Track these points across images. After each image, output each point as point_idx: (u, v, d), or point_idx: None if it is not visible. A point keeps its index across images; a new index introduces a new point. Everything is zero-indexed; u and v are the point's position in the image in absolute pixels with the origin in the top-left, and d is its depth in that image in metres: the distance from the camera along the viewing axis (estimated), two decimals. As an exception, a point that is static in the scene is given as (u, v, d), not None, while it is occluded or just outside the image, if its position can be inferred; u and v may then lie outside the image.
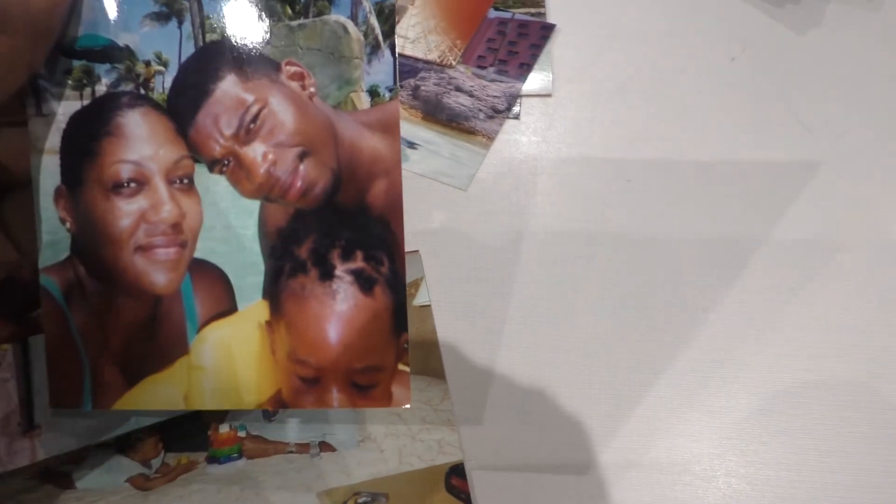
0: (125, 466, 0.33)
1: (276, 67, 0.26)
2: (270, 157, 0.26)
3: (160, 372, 0.27)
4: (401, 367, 0.27)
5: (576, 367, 0.35)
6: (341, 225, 0.26)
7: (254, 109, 0.26)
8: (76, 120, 0.26)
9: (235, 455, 0.33)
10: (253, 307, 0.26)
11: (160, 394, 0.27)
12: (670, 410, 0.34)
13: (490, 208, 0.39)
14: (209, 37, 0.26)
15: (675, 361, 0.35)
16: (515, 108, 0.43)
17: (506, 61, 0.45)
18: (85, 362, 0.27)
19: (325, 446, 0.33)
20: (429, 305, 0.36)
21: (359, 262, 0.26)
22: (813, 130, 0.41)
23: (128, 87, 0.26)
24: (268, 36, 0.26)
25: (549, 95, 0.44)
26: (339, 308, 0.26)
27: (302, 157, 0.26)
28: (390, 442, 0.33)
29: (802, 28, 0.45)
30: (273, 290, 0.26)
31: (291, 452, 0.33)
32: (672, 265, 0.37)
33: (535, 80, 0.44)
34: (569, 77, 0.44)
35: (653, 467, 0.33)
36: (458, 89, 0.44)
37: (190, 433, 0.34)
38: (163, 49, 0.26)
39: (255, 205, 0.26)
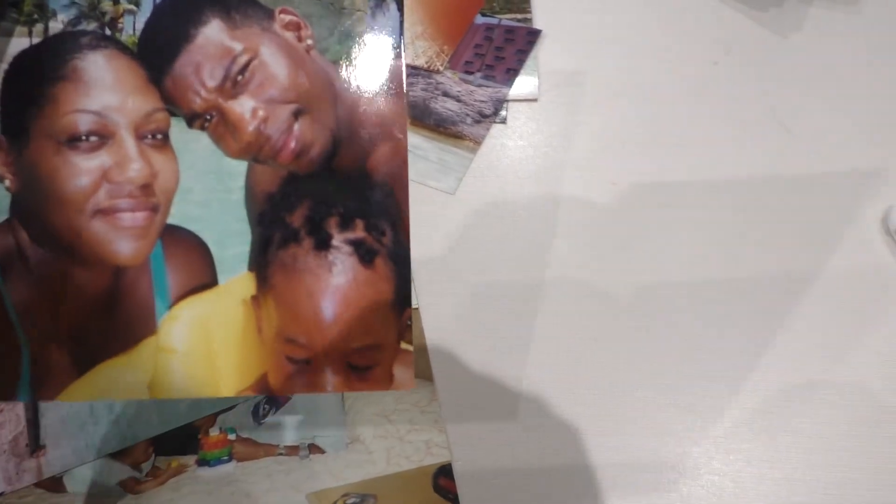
0: (116, 470, 0.33)
1: (269, 15, 0.23)
2: (261, 113, 0.23)
3: (119, 356, 0.23)
4: (403, 345, 0.24)
5: (563, 369, 0.35)
6: (339, 191, 0.24)
7: (242, 60, 0.22)
8: (23, 60, 0.22)
9: (225, 458, 0.33)
10: (237, 280, 0.23)
11: (119, 381, 0.23)
12: (656, 411, 0.34)
13: (477, 212, 0.40)
14: None
15: (660, 363, 0.35)
16: (502, 113, 0.44)
17: (493, 66, 0.45)
18: (24, 346, 0.23)
19: (314, 448, 0.34)
20: (417, 308, 0.37)
21: (359, 232, 0.24)
22: (795, 133, 0.42)
23: (90, 26, 0.22)
24: None
25: (535, 100, 0.44)
26: (335, 281, 0.24)
27: (297, 114, 0.23)
28: (379, 443, 0.34)
29: (785, 32, 0.46)
30: (261, 262, 0.23)
31: (281, 455, 0.34)
32: (657, 267, 0.38)
33: (522, 85, 0.45)
34: (555, 82, 0.45)
35: (638, 467, 0.33)
36: (446, 94, 0.45)
37: (180, 436, 0.34)
38: None
39: (241, 166, 0.23)
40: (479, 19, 0.47)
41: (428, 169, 0.41)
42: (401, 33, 0.24)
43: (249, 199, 0.23)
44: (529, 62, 0.46)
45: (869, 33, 0.46)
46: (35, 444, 0.34)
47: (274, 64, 0.23)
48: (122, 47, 0.22)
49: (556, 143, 0.42)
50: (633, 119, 0.43)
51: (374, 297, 0.24)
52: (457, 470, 0.33)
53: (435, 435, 0.34)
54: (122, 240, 0.22)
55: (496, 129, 0.43)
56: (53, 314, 0.23)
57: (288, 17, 0.24)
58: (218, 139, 0.23)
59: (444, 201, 0.40)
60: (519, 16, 0.48)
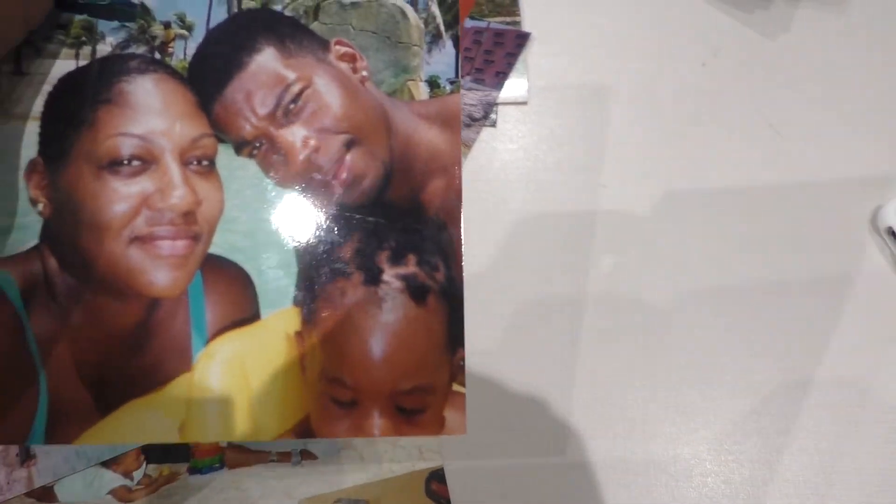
0: (107, 479, 0.33)
1: (325, 46, 0.23)
2: (312, 142, 0.22)
3: (149, 395, 0.21)
4: (455, 387, 0.23)
5: (555, 372, 0.35)
6: (391, 225, 0.23)
7: (295, 88, 0.22)
8: (68, 82, 0.22)
9: (217, 465, 0.33)
10: (280, 314, 0.22)
11: (147, 423, 0.22)
12: (647, 412, 0.34)
13: (467, 216, 0.40)
14: (245, 3, 0.22)
15: (652, 365, 0.36)
16: (492, 116, 0.44)
17: (482, 70, 0.45)
18: (42, 382, 0.21)
19: (306, 454, 0.33)
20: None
21: (411, 268, 0.23)
22: (783, 134, 0.42)
23: (139, 49, 0.22)
24: (315, 9, 0.23)
25: (524, 103, 0.44)
26: (385, 318, 0.22)
27: (349, 145, 0.22)
28: (371, 448, 0.34)
29: (772, 33, 0.46)
30: (307, 296, 0.22)
31: (273, 461, 0.33)
32: (649, 268, 0.38)
33: (511, 88, 0.45)
34: (544, 84, 0.45)
35: (630, 468, 0.33)
36: (436, 98, 0.45)
37: (172, 444, 0.34)
38: (187, 11, 0.22)
39: (290, 196, 0.22)
40: (468, 23, 0.47)
41: (418, 173, 0.41)
42: (456, 71, 0.25)
43: (297, 231, 0.22)
44: (519, 65, 0.46)
45: (856, 34, 0.46)
46: (25, 454, 0.33)
47: (328, 94, 0.22)
48: (171, 72, 0.22)
49: (546, 147, 0.42)
50: (623, 121, 0.43)
51: (425, 335, 0.23)
52: (449, 474, 0.33)
53: (427, 439, 0.34)
54: (160, 269, 0.21)
55: (486, 132, 0.43)
56: (78, 349, 0.21)
57: (343, 49, 0.23)
58: (267, 168, 0.22)
59: (434, 205, 0.40)
60: (508, 19, 0.48)
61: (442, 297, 0.23)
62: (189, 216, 0.21)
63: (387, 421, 0.23)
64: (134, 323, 0.21)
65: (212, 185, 0.21)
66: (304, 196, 0.22)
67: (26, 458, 0.33)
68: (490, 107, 0.44)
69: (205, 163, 0.21)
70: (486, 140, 0.43)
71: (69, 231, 0.21)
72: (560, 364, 0.36)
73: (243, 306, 0.21)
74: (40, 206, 0.21)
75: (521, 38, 0.46)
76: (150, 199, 0.21)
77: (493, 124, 0.43)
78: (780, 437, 0.34)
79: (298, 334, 0.22)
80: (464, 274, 0.29)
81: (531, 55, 0.46)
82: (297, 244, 0.22)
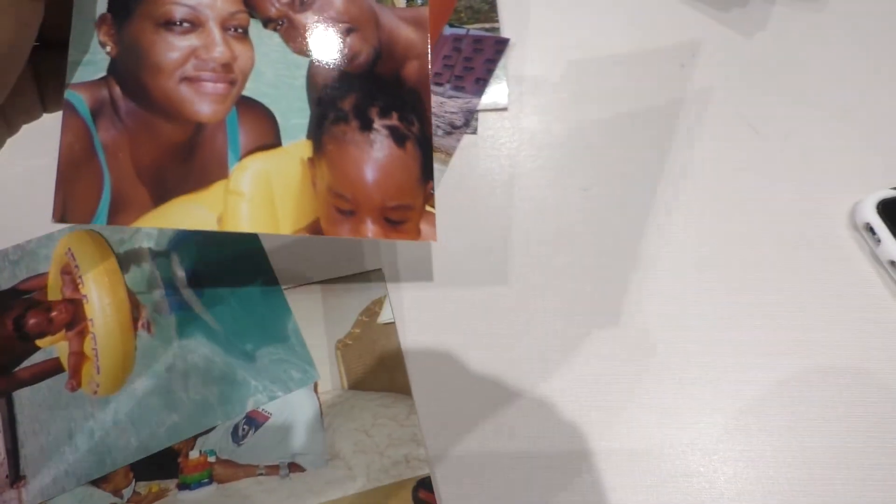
0: (97, 497, 0.33)
1: None
2: (322, 26, 0.29)
3: (193, 193, 0.27)
4: (428, 208, 0.30)
5: (541, 380, 0.36)
6: (379, 90, 0.30)
7: None
8: None
9: (206, 480, 0.34)
10: (296, 144, 0.28)
11: (191, 213, 0.27)
12: (631, 413, 0.35)
13: (450, 224, 0.40)
14: None
15: (636, 365, 0.36)
16: (473, 123, 0.44)
17: (462, 77, 0.46)
18: (105, 178, 0.26)
19: (294, 467, 0.34)
20: (393, 323, 0.37)
21: (394, 121, 0.29)
22: (762, 132, 0.43)
23: None
24: None
25: (504, 109, 0.45)
26: (375, 155, 0.29)
27: (348, 32, 0.29)
28: (358, 459, 0.34)
29: (749, 31, 0.47)
30: (317, 133, 0.28)
31: (261, 475, 0.34)
32: (630, 271, 0.38)
33: (491, 95, 0.45)
34: (524, 90, 0.45)
35: (613, 469, 0.34)
36: (416, 107, 0.45)
37: (160, 461, 0.34)
38: None
39: (304, 61, 0.28)
40: (448, 30, 0.47)
41: (400, 182, 0.42)
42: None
43: (309, 87, 0.29)
44: (498, 71, 0.46)
45: (833, 31, 0.46)
46: (15, 475, 0.34)
47: None
48: None
49: (527, 152, 0.43)
50: (603, 124, 0.43)
51: (405, 169, 0.29)
52: (436, 482, 0.34)
53: (414, 448, 0.34)
54: (204, 102, 0.27)
55: (468, 139, 0.43)
56: (137, 155, 0.27)
57: None
58: (287, 39, 0.28)
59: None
60: (487, 25, 0.48)
61: (416, 144, 0.30)
62: (227, 66, 0.27)
63: (377, 227, 0.29)
64: (183, 139, 0.27)
65: (245, 47, 0.27)
66: (315, 62, 0.29)
67: (16, 479, 0.34)
68: (471, 114, 0.44)
69: (239, 30, 0.27)
70: (468, 147, 0.43)
71: (131, 68, 0.26)
72: (544, 362, 0.36)
73: (268, 136, 0.28)
74: (108, 49, 0.27)
75: (501, 45, 0.47)
76: (197, 51, 0.27)
77: (474, 131, 0.44)
78: (765, 436, 0.34)
79: (310, 160, 0.28)
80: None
81: (510, 61, 0.46)
82: (310, 96, 0.28)
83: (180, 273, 0.38)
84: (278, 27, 0.28)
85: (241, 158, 0.27)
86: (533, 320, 0.37)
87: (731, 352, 0.36)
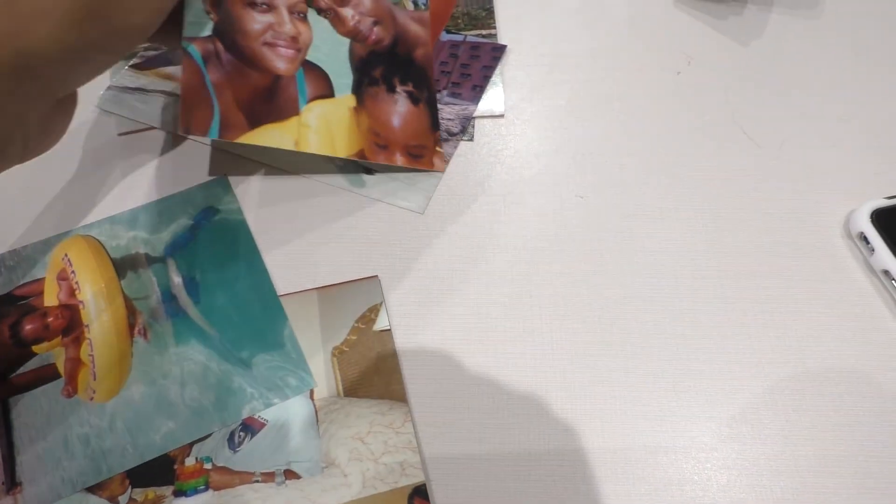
0: (93, 504, 0.33)
1: None
2: (357, 18, 0.40)
3: (276, 122, 0.37)
4: (437, 148, 0.41)
5: (537, 387, 0.36)
6: (398, 66, 0.41)
7: None
8: None
9: (202, 487, 0.34)
10: (345, 97, 0.39)
11: (276, 136, 0.37)
12: (624, 421, 0.35)
13: (447, 231, 0.40)
14: None
15: (629, 374, 0.36)
16: (470, 130, 0.44)
17: (459, 83, 0.46)
18: (215, 106, 0.36)
19: (289, 474, 0.34)
20: (389, 330, 0.37)
21: (410, 87, 0.41)
22: (757, 141, 0.43)
23: None
24: None
25: (501, 116, 0.45)
26: (399, 109, 0.40)
27: (375, 23, 0.41)
28: (354, 466, 0.34)
29: (745, 39, 0.47)
30: (358, 90, 0.40)
31: (257, 482, 0.34)
32: (626, 277, 0.38)
33: (488, 102, 0.45)
34: (520, 97, 0.45)
35: (606, 476, 0.34)
36: (413, 113, 0.45)
37: (156, 468, 0.34)
38: None
39: (346, 41, 0.40)
40: (444, 36, 0.48)
41: (396, 188, 0.42)
42: (424, 3, 0.44)
43: (351, 59, 0.40)
44: (495, 78, 0.46)
45: (829, 40, 0.47)
46: (11, 482, 0.34)
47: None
48: None
49: (523, 159, 0.43)
50: (599, 132, 0.43)
51: (419, 120, 0.41)
52: (432, 489, 0.34)
53: (410, 456, 0.34)
54: (280, 61, 0.38)
55: (464, 146, 0.43)
56: (236, 92, 0.37)
57: None
58: (334, 25, 0.40)
59: (413, 221, 0.40)
60: (484, 31, 0.48)
61: (426, 104, 0.42)
62: (294, 39, 0.38)
63: (404, 157, 0.40)
64: (267, 84, 0.38)
65: (305, 26, 0.39)
66: (354, 43, 0.40)
67: (12, 486, 0.34)
68: (467, 121, 0.44)
69: (301, 14, 0.39)
70: (464, 154, 0.43)
71: (229, 32, 0.37)
72: (540, 369, 0.36)
73: (325, 89, 0.39)
74: (212, 16, 0.36)
75: (497, 51, 0.47)
76: (273, 25, 0.38)
77: (471, 138, 0.44)
78: (759, 445, 0.34)
79: (354, 108, 0.39)
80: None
81: (507, 67, 0.46)
82: (351, 64, 0.40)
83: (177, 279, 0.38)
84: (327, 15, 0.40)
85: (308, 102, 0.38)
86: (529, 327, 0.37)
87: (724, 359, 0.36)
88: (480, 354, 0.37)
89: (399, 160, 0.40)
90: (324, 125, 0.38)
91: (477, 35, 0.48)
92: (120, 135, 0.44)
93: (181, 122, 0.35)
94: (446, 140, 0.43)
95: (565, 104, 0.45)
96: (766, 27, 0.47)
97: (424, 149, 0.40)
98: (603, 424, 0.35)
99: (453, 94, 0.45)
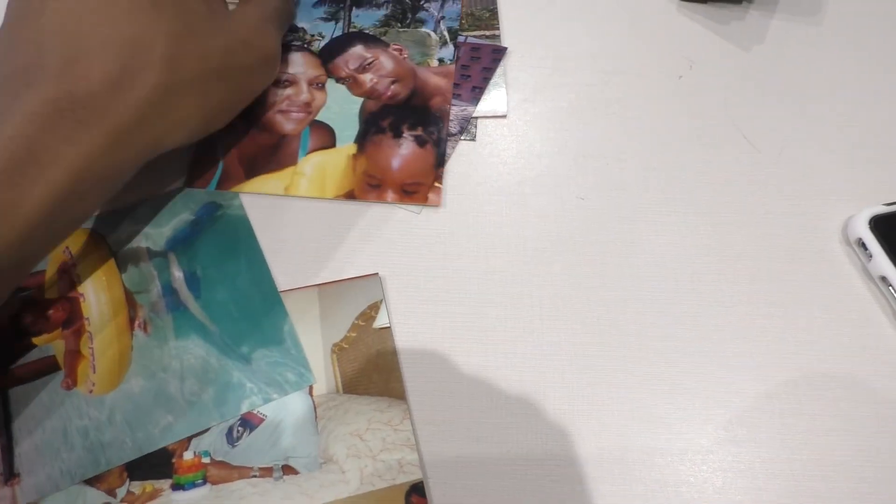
0: (90, 497, 0.33)
1: (387, 45, 0.47)
2: (375, 80, 0.45)
3: (272, 173, 0.41)
4: (436, 184, 0.41)
5: (535, 387, 0.36)
6: (411, 114, 0.44)
7: (370, 58, 0.46)
8: None
9: (200, 481, 0.34)
10: (346, 146, 0.42)
11: (268, 184, 0.41)
12: (621, 422, 0.35)
13: (448, 230, 0.40)
14: (351, 29, 0.48)
15: (628, 376, 0.36)
16: (472, 130, 0.44)
17: (459, 85, 0.46)
18: (219, 163, 0.42)
19: (287, 469, 0.34)
20: (389, 328, 0.37)
21: (419, 132, 0.43)
22: (757, 146, 0.43)
23: (297, 42, 0.47)
24: (384, 33, 0.48)
25: (503, 116, 0.45)
26: (402, 152, 0.42)
27: (393, 82, 0.45)
28: (352, 463, 0.34)
29: (747, 44, 0.47)
30: (361, 140, 0.43)
31: (255, 477, 0.34)
32: (626, 280, 0.39)
33: (491, 102, 0.45)
34: (523, 97, 0.45)
35: (602, 478, 0.34)
36: (416, 112, 0.46)
37: (154, 461, 0.34)
38: (323, 30, 0.48)
39: (360, 99, 0.44)
40: (448, 37, 0.48)
41: (398, 187, 0.42)
42: (454, 56, 0.47)
43: (361, 113, 0.44)
44: (498, 79, 0.46)
45: (831, 46, 0.47)
46: (9, 473, 0.34)
47: (385, 63, 0.46)
48: (311, 51, 0.47)
49: (525, 161, 0.43)
50: (600, 134, 0.44)
51: (422, 161, 0.42)
52: (429, 487, 0.34)
53: (408, 453, 0.34)
54: (289, 123, 0.43)
55: (465, 146, 0.44)
56: (241, 149, 0.42)
57: (396, 46, 0.47)
58: (350, 88, 0.45)
59: (414, 220, 0.41)
60: (487, 33, 0.49)
61: (433, 145, 0.43)
62: (308, 105, 0.44)
63: (396, 195, 0.41)
64: (272, 143, 0.42)
65: (321, 93, 0.44)
66: (367, 100, 0.44)
67: (10, 476, 0.34)
68: (466, 122, 0.44)
69: (320, 84, 0.45)
70: (465, 154, 0.43)
71: (250, 105, 0.40)
72: (539, 369, 0.36)
73: (328, 141, 0.43)
74: None
75: (498, 53, 0.47)
76: (290, 97, 0.44)
77: (473, 138, 0.44)
78: (755, 448, 0.35)
79: (354, 155, 0.42)
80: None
81: (511, 69, 0.46)
82: (360, 119, 0.43)
83: (178, 273, 0.39)
84: (345, 83, 0.45)
85: (307, 153, 0.42)
86: (529, 327, 0.37)
87: (722, 363, 0.36)
88: (479, 354, 0.37)
89: (390, 197, 0.40)
90: (318, 172, 0.41)
91: (480, 36, 0.48)
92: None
93: (187, 177, 0.41)
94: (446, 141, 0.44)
95: (567, 106, 0.45)
96: (767, 32, 0.48)
97: (421, 185, 0.41)
98: (601, 425, 0.35)
99: (453, 96, 0.45)
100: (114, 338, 0.37)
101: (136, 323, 0.37)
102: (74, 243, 0.39)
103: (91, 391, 0.36)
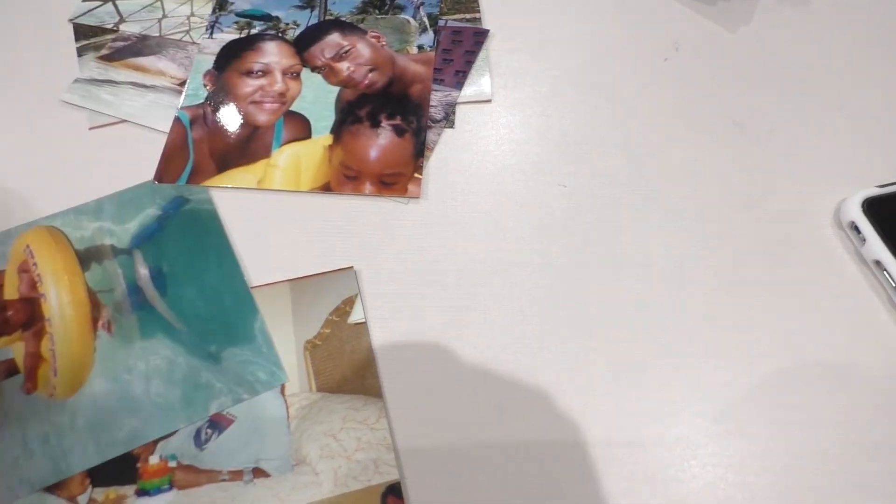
0: (51, 505, 0.32)
1: (365, 32, 0.46)
2: (351, 69, 0.44)
3: (244, 166, 0.40)
4: (416, 175, 0.40)
5: (516, 382, 0.35)
6: (389, 103, 0.42)
7: (346, 46, 0.45)
8: (232, 43, 0.45)
9: (166, 486, 0.32)
10: (322, 137, 0.41)
11: (240, 178, 0.40)
12: (609, 419, 0.34)
13: (429, 221, 0.39)
14: (328, 17, 0.47)
15: (614, 368, 0.35)
16: (451, 117, 0.43)
17: (441, 69, 0.44)
18: (190, 157, 0.40)
19: (258, 472, 0.32)
20: (364, 323, 0.36)
21: (397, 121, 0.41)
22: (745, 129, 0.42)
23: (271, 32, 0.46)
24: (362, 20, 0.46)
25: (488, 101, 0.43)
26: (380, 142, 0.41)
27: (371, 70, 0.44)
28: (325, 464, 0.33)
29: (734, 26, 0.46)
30: (338, 130, 0.41)
31: (224, 480, 0.32)
32: (609, 271, 0.37)
33: (475, 86, 0.44)
34: (503, 83, 0.44)
35: (593, 476, 0.33)
36: (393, 100, 0.44)
37: (118, 466, 0.33)
38: (297, 18, 0.47)
39: (336, 88, 0.43)
40: (425, 22, 0.46)
41: (374, 178, 0.40)
42: (434, 42, 0.45)
43: (337, 102, 0.42)
44: (481, 62, 0.45)
45: (819, 26, 0.46)
46: (-34, 483, 0.32)
47: (363, 50, 0.44)
48: (285, 40, 0.45)
49: (507, 147, 0.41)
50: (583, 119, 0.42)
51: (401, 151, 0.40)
52: (406, 488, 0.32)
53: (383, 453, 0.33)
54: (262, 114, 0.42)
55: (446, 133, 0.42)
56: (213, 143, 0.41)
57: (374, 33, 0.45)
58: (325, 77, 0.43)
59: (392, 211, 0.39)
60: (468, 16, 0.47)
61: (413, 135, 0.41)
62: (282, 94, 0.42)
63: (374, 186, 0.39)
64: (245, 136, 0.41)
65: (296, 83, 0.43)
66: (344, 89, 0.43)
67: (-34, 486, 0.32)
68: (451, 107, 0.43)
69: (294, 74, 0.43)
70: (446, 142, 0.42)
71: (221, 97, 0.42)
72: (520, 363, 0.35)
73: (302, 132, 0.41)
74: (208, 87, 0.43)
75: (480, 36, 0.45)
76: (264, 87, 0.43)
77: (452, 125, 0.42)
78: (745, 440, 0.33)
79: (330, 146, 0.41)
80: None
81: (493, 52, 0.45)
82: (336, 108, 0.42)
83: (143, 271, 0.37)
84: (321, 71, 0.44)
85: (281, 145, 0.41)
86: (509, 320, 0.36)
87: (712, 353, 0.35)
88: (459, 348, 0.35)
89: (368, 189, 0.39)
90: (292, 164, 0.40)
91: (461, 19, 0.46)
92: (91, 129, 0.42)
93: (156, 173, 0.40)
94: (429, 128, 0.42)
95: (549, 90, 0.43)
96: (755, 13, 0.46)
97: (400, 176, 0.40)
98: (586, 419, 0.34)
99: (435, 81, 0.44)
100: (76, 339, 0.35)
101: (100, 323, 0.36)
102: (35, 241, 0.38)
103: (52, 395, 0.34)
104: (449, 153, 0.41)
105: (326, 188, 0.39)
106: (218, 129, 0.41)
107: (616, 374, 0.35)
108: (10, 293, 0.36)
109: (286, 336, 0.36)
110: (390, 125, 0.41)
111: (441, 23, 0.46)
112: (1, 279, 0.37)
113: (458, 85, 0.44)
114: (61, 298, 0.36)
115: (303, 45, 0.45)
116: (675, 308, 0.36)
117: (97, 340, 0.35)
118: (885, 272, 0.36)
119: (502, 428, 0.34)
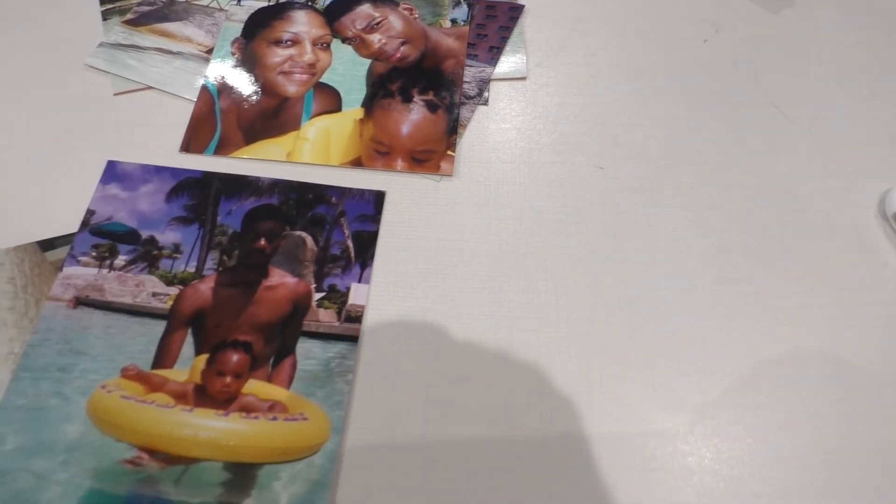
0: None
1: (397, 4, 0.45)
2: (383, 41, 0.43)
3: (273, 138, 0.40)
4: (449, 152, 0.39)
5: (531, 364, 0.34)
6: (422, 77, 0.42)
7: (378, 18, 0.44)
8: (263, 10, 0.45)
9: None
10: (352, 111, 0.41)
11: (269, 150, 0.39)
12: (605, 410, 0.33)
13: (462, 199, 0.38)
14: None
15: (635, 352, 0.34)
16: (485, 94, 0.42)
17: (474, 45, 0.43)
18: (218, 127, 0.40)
19: None
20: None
21: (430, 96, 0.41)
22: (786, 112, 0.41)
23: (300, 1, 0.45)
24: None
25: (523, 79, 0.42)
26: (412, 117, 0.40)
27: (403, 44, 0.43)
28: None
29: (776, 7, 0.45)
30: (369, 104, 0.41)
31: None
32: (645, 254, 0.36)
33: (509, 63, 0.43)
34: (537, 61, 0.43)
35: (586, 468, 0.32)
36: (426, 74, 0.43)
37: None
38: None
39: (367, 61, 0.42)
40: (460, -5, 0.45)
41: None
42: (468, 16, 0.44)
43: (368, 76, 0.42)
44: (515, 38, 0.44)
45: (867, 9, 0.44)
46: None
47: (395, 22, 0.43)
48: (316, 9, 0.44)
49: (541, 126, 0.40)
50: (620, 100, 0.41)
51: (433, 127, 0.40)
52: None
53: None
54: (292, 85, 0.41)
55: (480, 111, 0.41)
56: (241, 114, 0.40)
57: (406, 4, 0.44)
58: (357, 49, 0.43)
59: (431, 189, 0.38)
60: (502, -9, 0.46)
61: (445, 111, 0.40)
62: (312, 65, 0.42)
63: (405, 163, 0.39)
64: (274, 106, 0.40)
65: (326, 54, 0.42)
66: (375, 62, 0.42)
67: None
68: (485, 83, 0.42)
69: (324, 45, 0.42)
70: (479, 119, 0.41)
71: (249, 65, 0.42)
72: (535, 355, 0.34)
73: (333, 105, 0.41)
74: (237, 56, 0.43)
75: (515, 11, 0.44)
76: (293, 57, 0.42)
77: (486, 102, 0.41)
78: (739, 431, 0.32)
79: (361, 120, 0.40)
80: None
81: (527, 29, 0.44)
82: (367, 81, 0.42)
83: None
84: (351, 43, 0.43)
85: (311, 118, 0.40)
86: (534, 303, 0.35)
87: (748, 342, 0.34)
88: (481, 323, 0.34)
89: (399, 166, 0.39)
90: (322, 137, 0.39)
91: (495, -6, 0.45)
92: (116, 95, 0.41)
93: (182, 142, 0.39)
94: (462, 104, 0.41)
95: (585, 70, 0.42)
96: (798, -5, 0.45)
97: (433, 153, 0.39)
98: (584, 412, 0.32)
99: (468, 56, 0.43)
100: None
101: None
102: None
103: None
104: (482, 131, 0.40)
105: (357, 163, 0.39)
106: (246, 100, 0.40)
107: (617, 364, 0.34)
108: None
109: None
110: (423, 100, 0.41)
111: (476, -4, 0.45)
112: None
113: (493, 61, 0.43)
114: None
115: (333, 15, 0.44)
116: (712, 294, 0.35)
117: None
118: (929, 264, 0.35)
119: (485, 405, 0.33)
